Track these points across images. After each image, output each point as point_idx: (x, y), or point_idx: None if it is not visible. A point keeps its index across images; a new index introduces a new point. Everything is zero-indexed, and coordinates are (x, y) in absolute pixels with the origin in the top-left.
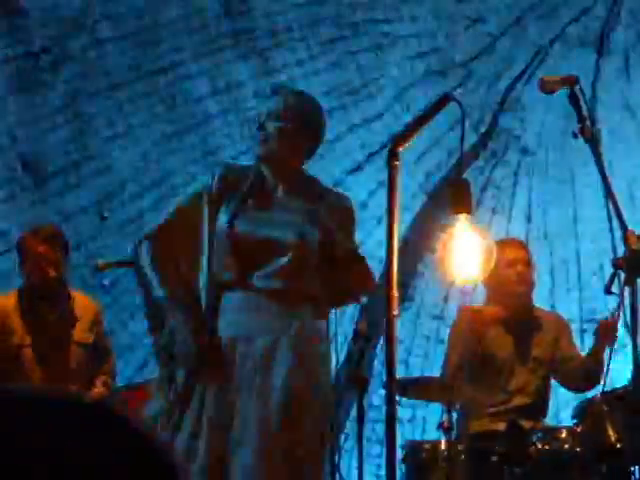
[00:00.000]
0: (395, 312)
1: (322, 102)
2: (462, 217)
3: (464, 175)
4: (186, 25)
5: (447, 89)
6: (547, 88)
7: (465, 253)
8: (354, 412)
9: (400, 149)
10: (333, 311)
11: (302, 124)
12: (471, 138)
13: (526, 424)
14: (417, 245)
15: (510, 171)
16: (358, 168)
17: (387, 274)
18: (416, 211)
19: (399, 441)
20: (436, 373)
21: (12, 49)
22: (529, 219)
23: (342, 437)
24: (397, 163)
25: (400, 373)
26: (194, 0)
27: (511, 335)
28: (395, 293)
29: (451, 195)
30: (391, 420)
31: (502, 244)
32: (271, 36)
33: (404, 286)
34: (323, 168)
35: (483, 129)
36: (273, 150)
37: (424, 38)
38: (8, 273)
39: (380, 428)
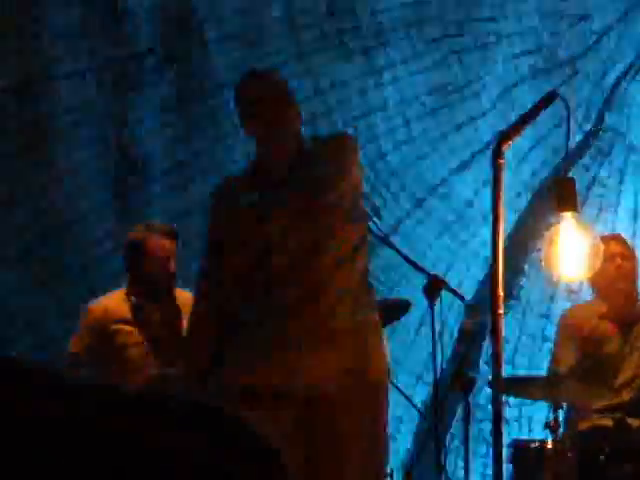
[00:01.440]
0: (501, 311)
1: (427, 101)
2: (568, 215)
3: (570, 173)
4: (291, 25)
5: (552, 87)
6: None
7: (571, 251)
8: (460, 411)
9: (505, 147)
10: (438, 310)
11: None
12: (577, 136)
13: (633, 422)
14: (523, 244)
15: (616, 169)
16: (463, 167)
17: (493, 273)
18: (521, 210)
19: (506, 440)
20: (542, 372)
21: (118, 49)
22: (636, 217)
23: (448, 437)
24: (502, 161)
25: (506, 372)
26: (299, 0)
27: (616, 331)
28: (501, 292)
29: (557, 193)
30: (497, 419)
31: (604, 239)
32: (376, 35)
33: (510, 285)
34: (429, 167)
35: (588, 127)
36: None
37: (529, 36)
38: (117, 274)
39: (486, 427)
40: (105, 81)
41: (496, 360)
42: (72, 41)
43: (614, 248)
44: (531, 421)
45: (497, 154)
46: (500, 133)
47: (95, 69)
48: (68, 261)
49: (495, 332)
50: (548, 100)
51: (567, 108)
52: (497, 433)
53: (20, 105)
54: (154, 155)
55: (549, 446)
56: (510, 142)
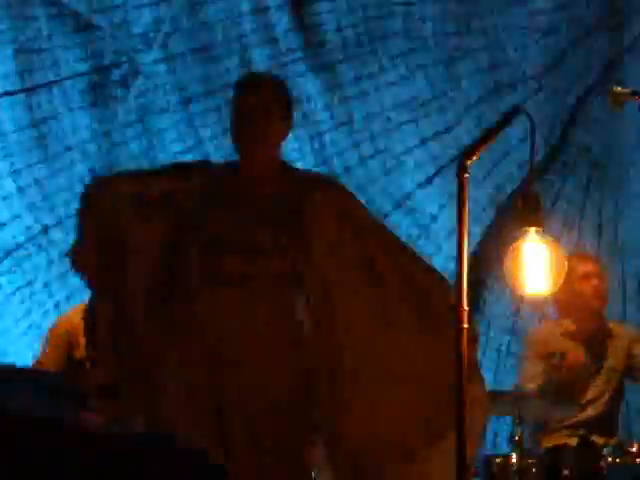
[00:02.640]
0: (465, 325)
1: (393, 115)
2: (532, 230)
3: (534, 188)
4: (256, 39)
5: (517, 102)
6: (616, 100)
7: (534, 266)
8: None
9: (469, 163)
10: None
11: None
12: (541, 151)
13: (598, 439)
14: (487, 258)
15: (581, 185)
16: (428, 181)
17: (458, 288)
18: (486, 224)
19: None
20: (507, 387)
21: (84, 64)
22: (600, 233)
23: None
24: (467, 176)
25: None
26: (264, 14)
27: (584, 348)
28: (466, 306)
29: (521, 208)
30: (461, 435)
31: (575, 258)
32: (341, 49)
33: (474, 299)
34: (394, 181)
35: (553, 142)
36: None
37: (494, 51)
38: (81, 286)
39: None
40: (71, 94)
41: (460, 375)
42: (39, 55)
43: (591, 268)
44: (496, 436)
45: (461, 169)
46: (464, 148)
47: (60, 82)
48: None
49: (459, 346)
50: (512, 115)
51: (531, 123)
52: (461, 448)
53: None
54: (119, 168)
55: (513, 461)
56: (474, 157)
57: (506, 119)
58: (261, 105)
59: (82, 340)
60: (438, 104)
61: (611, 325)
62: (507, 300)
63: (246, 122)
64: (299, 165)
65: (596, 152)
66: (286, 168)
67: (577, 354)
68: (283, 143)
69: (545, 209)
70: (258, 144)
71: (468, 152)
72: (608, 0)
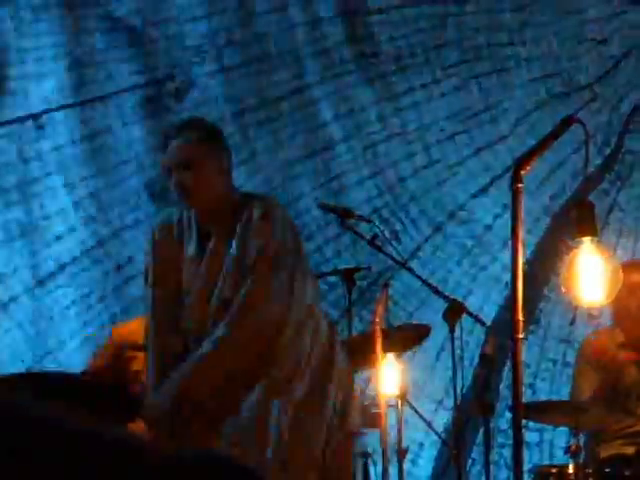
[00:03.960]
0: (521, 335)
1: (446, 126)
2: (587, 240)
3: (589, 197)
4: (310, 50)
5: (571, 111)
6: None
7: (589, 276)
8: (481, 436)
9: (523, 172)
10: (459, 335)
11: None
12: (596, 160)
13: None
14: (543, 268)
15: (636, 194)
16: (482, 191)
17: (512, 298)
18: (540, 234)
19: (526, 465)
20: (563, 397)
21: (138, 77)
22: None
23: (469, 462)
24: (520, 186)
25: (527, 397)
26: (318, 26)
27: (636, 358)
28: (521, 317)
29: (575, 218)
30: (518, 445)
31: (626, 268)
32: (394, 60)
33: (530, 309)
34: (448, 192)
35: (608, 151)
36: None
37: (547, 60)
38: (137, 299)
39: (508, 452)
40: (125, 107)
41: (516, 385)
42: (94, 68)
43: (636, 278)
44: (552, 446)
45: (515, 179)
46: (518, 158)
47: (115, 95)
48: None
49: (515, 357)
50: (565, 125)
51: (586, 132)
52: (517, 459)
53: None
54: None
55: (570, 471)
56: (528, 167)
57: (559, 129)
58: (181, 161)
59: (136, 353)
60: (491, 114)
61: None
62: (563, 310)
63: (174, 176)
64: (353, 177)
65: None
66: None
67: (623, 367)
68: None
69: (600, 218)
70: (192, 198)
71: (521, 162)
72: None
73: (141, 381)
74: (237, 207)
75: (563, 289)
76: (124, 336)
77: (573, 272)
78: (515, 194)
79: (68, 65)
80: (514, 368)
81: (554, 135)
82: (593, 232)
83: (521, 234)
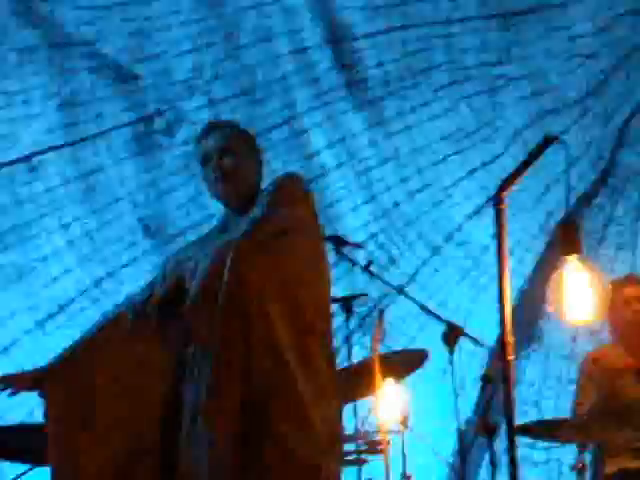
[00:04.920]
0: (511, 357)
1: (439, 148)
2: (572, 259)
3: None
4: (298, 79)
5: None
6: None
7: (576, 295)
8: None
9: (506, 193)
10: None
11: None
12: (591, 175)
13: None
14: (542, 286)
15: (632, 207)
16: (478, 212)
17: (501, 319)
18: (538, 252)
19: None
20: (569, 414)
21: (127, 114)
22: None
23: None
24: (503, 207)
25: (532, 415)
26: (305, 54)
27: (636, 377)
28: (510, 338)
29: (561, 237)
30: (513, 464)
31: (619, 283)
32: (383, 85)
33: (531, 327)
34: (444, 214)
35: (602, 165)
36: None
37: (537, 77)
38: None
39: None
40: (116, 145)
41: (508, 406)
42: (83, 107)
43: (629, 292)
44: (560, 464)
45: (497, 201)
46: (502, 180)
47: (105, 133)
48: None
49: (506, 378)
50: (546, 144)
51: (566, 150)
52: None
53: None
54: (168, 217)
55: None
56: (511, 187)
57: (539, 148)
58: (219, 144)
59: None
60: (484, 134)
61: None
62: (565, 326)
63: (214, 162)
64: (347, 203)
65: None
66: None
67: (623, 382)
68: (254, 179)
69: (597, 233)
70: (230, 182)
71: (504, 183)
72: None
73: None
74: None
75: (550, 308)
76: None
77: (559, 290)
78: (498, 215)
79: (56, 105)
80: (505, 389)
81: (535, 155)
82: (578, 250)
83: (506, 255)
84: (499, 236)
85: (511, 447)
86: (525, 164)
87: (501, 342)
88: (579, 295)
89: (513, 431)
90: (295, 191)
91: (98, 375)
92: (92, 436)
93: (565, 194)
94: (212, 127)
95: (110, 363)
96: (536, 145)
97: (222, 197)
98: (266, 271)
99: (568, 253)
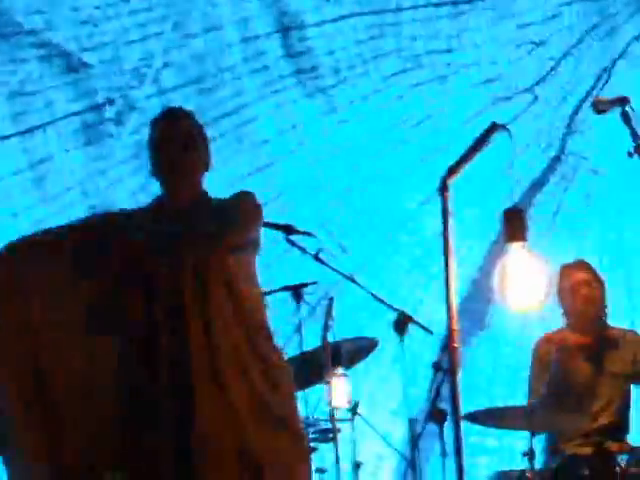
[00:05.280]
0: (456, 344)
1: (389, 136)
2: (516, 245)
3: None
4: (248, 68)
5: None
6: (599, 108)
7: (521, 281)
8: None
9: (451, 180)
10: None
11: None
12: (541, 162)
13: (612, 446)
14: (493, 273)
15: (581, 194)
16: (429, 200)
17: (447, 307)
18: (491, 240)
19: (488, 471)
20: (520, 401)
21: (76, 103)
22: (604, 240)
23: (428, 471)
24: (447, 195)
25: (484, 403)
26: (254, 43)
27: (587, 358)
28: (455, 326)
29: (506, 224)
30: (459, 454)
31: (566, 268)
32: (334, 73)
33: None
34: (394, 201)
35: (552, 153)
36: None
37: (487, 65)
38: None
39: (467, 460)
40: (66, 134)
41: (454, 394)
42: (32, 97)
43: (578, 276)
44: (513, 452)
45: (443, 188)
46: (448, 168)
47: (54, 123)
48: None
49: (452, 366)
50: (490, 132)
51: (510, 138)
52: (459, 467)
53: None
54: (118, 206)
55: (529, 475)
56: (456, 175)
57: (484, 136)
58: (181, 136)
59: None
60: (434, 122)
61: (615, 332)
62: (515, 314)
63: (169, 153)
64: (298, 190)
65: (594, 161)
66: (204, 200)
67: (575, 363)
68: (202, 176)
69: (547, 220)
70: (180, 175)
71: (449, 171)
72: (598, 8)
73: None
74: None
75: (496, 295)
76: None
77: (503, 277)
78: (444, 202)
79: (6, 95)
80: (451, 377)
81: (479, 143)
82: (522, 237)
83: (451, 243)
84: (444, 223)
85: (457, 435)
86: (471, 150)
87: (447, 330)
88: (523, 282)
89: (458, 419)
90: (255, 209)
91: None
92: None
93: (510, 182)
94: (173, 114)
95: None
96: (481, 133)
97: (169, 188)
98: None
99: (513, 240)
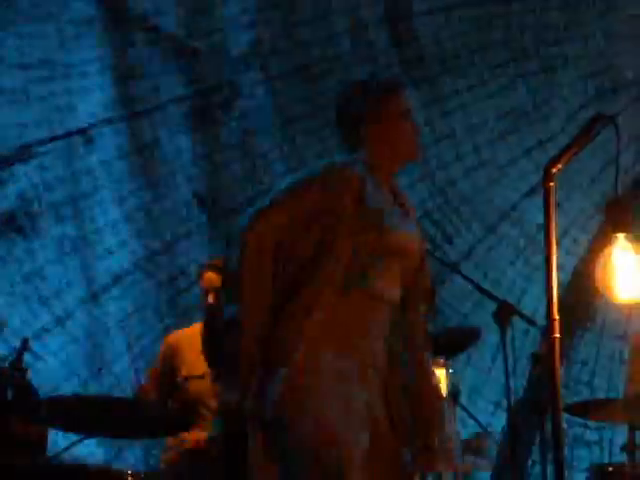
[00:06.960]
0: (557, 334)
1: (495, 126)
2: (621, 236)
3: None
4: (355, 57)
5: (620, 107)
6: None
7: (624, 272)
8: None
9: (554, 170)
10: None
11: None
12: None
13: None
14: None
15: None
16: (534, 191)
17: (548, 298)
18: (594, 232)
19: (586, 464)
20: (621, 393)
21: (185, 88)
22: None
23: (529, 463)
24: (551, 185)
25: (584, 395)
26: (361, 32)
27: None
28: (556, 316)
29: (609, 215)
30: (559, 447)
31: None
32: (440, 63)
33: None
34: (499, 192)
35: None
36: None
37: (595, 58)
38: (190, 310)
39: (567, 451)
40: (172, 119)
41: (553, 384)
42: (140, 80)
43: None
44: (612, 444)
45: (546, 178)
46: (551, 158)
47: (162, 107)
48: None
49: (552, 356)
50: (595, 122)
51: (616, 130)
52: (560, 457)
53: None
54: (223, 191)
55: (626, 469)
56: (560, 165)
57: (589, 126)
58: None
59: (188, 357)
60: (540, 113)
61: None
62: (619, 306)
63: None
64: (403, 180)
65: None
66: None
67: None
68: None
69: None
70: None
71: (553, 161)
72: None
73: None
74: None
75: (599, 287)
76: (171, 342)
77: (608, 269)
78: (547, 193)
79: (114, 79)
80: (551, 367)
81: (585, 133)
82: (627, 228)
83: (554, 233)
84: (547, 213)
85: (556, 427)
86: (575, 141)
87: (548, 320)
88: (628, 274)
89: (558, 410)
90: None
91: None
92: None
93: (615, 174)
94: (404, 85)
95: None
96: (586, 124)
97: (412, 155)
98: None
99: (617, 231)
